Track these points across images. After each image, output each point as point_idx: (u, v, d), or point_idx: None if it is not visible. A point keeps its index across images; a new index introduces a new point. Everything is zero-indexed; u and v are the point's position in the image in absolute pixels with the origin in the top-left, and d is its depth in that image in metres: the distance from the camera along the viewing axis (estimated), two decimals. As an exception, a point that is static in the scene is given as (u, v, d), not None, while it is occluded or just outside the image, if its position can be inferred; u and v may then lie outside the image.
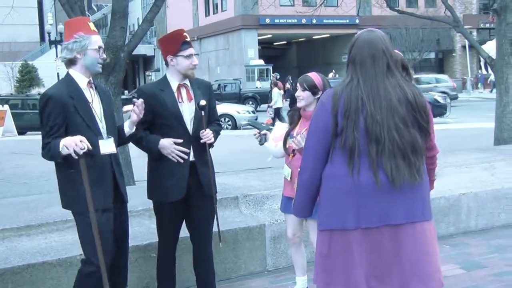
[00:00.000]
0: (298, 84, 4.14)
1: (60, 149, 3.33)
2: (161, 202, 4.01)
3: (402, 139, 2.84)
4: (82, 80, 3.58)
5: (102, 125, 3.60)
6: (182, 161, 3.91)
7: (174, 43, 3.94)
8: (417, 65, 40.98)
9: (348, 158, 2.87)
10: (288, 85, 35.10)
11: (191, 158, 3.96)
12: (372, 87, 2.87)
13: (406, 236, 2.88)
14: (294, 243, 4.37)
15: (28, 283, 4.02)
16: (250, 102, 32.33)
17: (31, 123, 20.57)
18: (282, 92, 21.83)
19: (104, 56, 3.67)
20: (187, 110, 3.95)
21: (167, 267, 4.16)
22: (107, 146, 3.55)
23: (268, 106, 21.47)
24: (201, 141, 3.89)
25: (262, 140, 4.42)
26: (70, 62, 3.59)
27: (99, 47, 3.61)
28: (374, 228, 2.87)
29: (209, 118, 4.07)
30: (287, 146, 4.18)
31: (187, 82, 4.01)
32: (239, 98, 32.60)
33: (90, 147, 3.31)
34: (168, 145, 3.89)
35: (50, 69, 39.69)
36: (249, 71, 41.97)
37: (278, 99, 20.83)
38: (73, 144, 3.28)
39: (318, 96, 4.06)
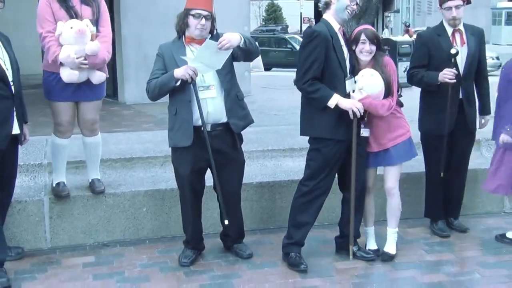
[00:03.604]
0: (364, 37, 4.06)
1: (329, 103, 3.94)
2: (429, 134, 4.62)
3: None
4: (335, 24, 4.12)
5: (347, 66, 4.13)
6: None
7: None
8: None
9: None
10: None
11: (460, 96, 4.47)
12: None
13: None
14: None
15: (291, 195, 4.78)
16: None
17: (276, 60, 21.58)
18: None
19: (354, 7, 4.13)
20: (459, 53, 4.40)
21: (438, 194, 4.75)
22: (350, 85, 4.09)
23: None
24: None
25: None
26: (326, 6, 4.14)
27: None
28: None
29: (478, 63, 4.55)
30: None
31: (461, 27, 4.50)
32: None
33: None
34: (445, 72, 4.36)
35: (293, 9, 41.38)
36: (496, 15, 39.11)
37: None
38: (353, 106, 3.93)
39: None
